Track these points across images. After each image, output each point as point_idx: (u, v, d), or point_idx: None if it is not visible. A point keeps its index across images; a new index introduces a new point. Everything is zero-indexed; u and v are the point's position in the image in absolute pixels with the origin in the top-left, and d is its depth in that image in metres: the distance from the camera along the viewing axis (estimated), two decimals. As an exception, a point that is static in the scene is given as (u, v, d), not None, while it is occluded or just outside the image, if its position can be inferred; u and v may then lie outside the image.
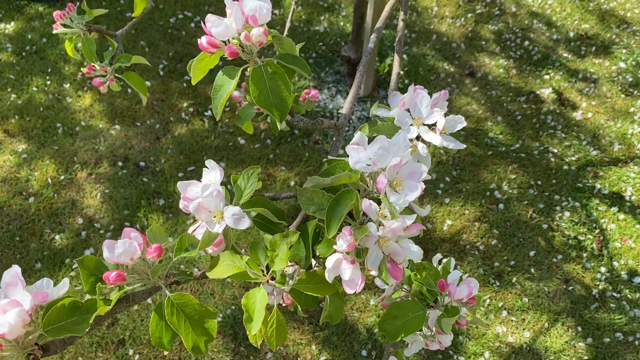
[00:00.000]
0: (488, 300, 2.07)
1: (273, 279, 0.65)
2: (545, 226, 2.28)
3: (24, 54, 2.85)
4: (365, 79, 2.68)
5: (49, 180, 2.35)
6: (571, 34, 3.11)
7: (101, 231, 2.20)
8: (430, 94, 0.78)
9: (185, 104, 2.66)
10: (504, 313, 2.04)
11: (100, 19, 2.97)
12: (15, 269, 0.59)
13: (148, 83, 2.74)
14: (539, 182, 2.44)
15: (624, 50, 3.00)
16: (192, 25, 3.05)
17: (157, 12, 3.09)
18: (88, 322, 0.59)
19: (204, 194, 0.65)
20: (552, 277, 2.14)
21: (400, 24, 1.13)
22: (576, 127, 2.66)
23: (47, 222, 2.22)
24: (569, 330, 2.00)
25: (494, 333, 2.00)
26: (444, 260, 0.86)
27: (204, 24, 0.66)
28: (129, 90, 2.71)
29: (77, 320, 0.58)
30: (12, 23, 2.99)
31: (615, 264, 2.18)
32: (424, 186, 0.64)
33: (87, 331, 0.58)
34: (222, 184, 0.70)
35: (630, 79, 2.85)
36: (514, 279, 2.13)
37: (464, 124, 0.78)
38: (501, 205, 2.35)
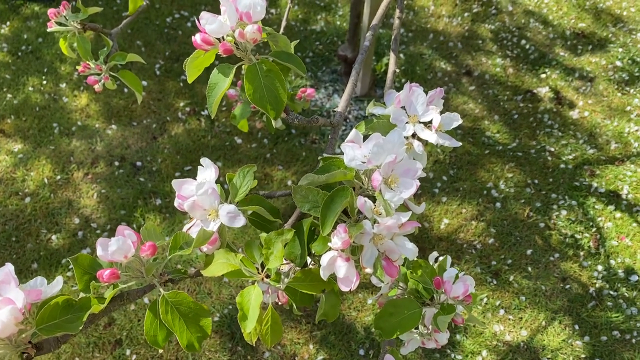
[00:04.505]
0: (485, 299, 2.07)
1: (268, 277, 0.65)
2: (542, 225, 2.28)
3: (19, 53, 2.84)
4: (362, 78, 2.67)
5: (45, 180, 2.34)
6: (567, 33, 3.11)
7: (98, 231, 2.20)
8: (426, 92, 0.77)
9: (181, 104, 2.66)
10: (501, 312, 2.04)
11: (96, 19, 2.96)
12: (8, 267, 0.58)
13: (144, 82, 2.73)
14: (536, 181, 2.44)
15: (620, 49, 3.00)
16: (189, 24, 3.04)
17: (153, 11, 3.08)
18: (81, 320, 0.58)
19: (199, 192, 0.65)
20: (549, 276, 2.14)
21: (396, 21, 1.13)
22: (573, 125, 2.66)
23: (43, 222, 2.22)
24: (566, 328, 2.01)
25: (492, 331, 2.00)
26: (440, 258, 0.85)
27: (199, 21, 0.66)
28: (125, 90, 2.70)
29: (71, 318, 0.58)
30: (8, 23, 2.98)
31: (612, 262, 2.18)
32: (418, 183, 0.64)
33: (81, 329, 0.58)
34: (218, 183, 0.70)
35: (627, 78, 2.86)
36: (511, 278, 2.13)
37: (460, 121, 0.78)
38: (498, 204, 2.35)
